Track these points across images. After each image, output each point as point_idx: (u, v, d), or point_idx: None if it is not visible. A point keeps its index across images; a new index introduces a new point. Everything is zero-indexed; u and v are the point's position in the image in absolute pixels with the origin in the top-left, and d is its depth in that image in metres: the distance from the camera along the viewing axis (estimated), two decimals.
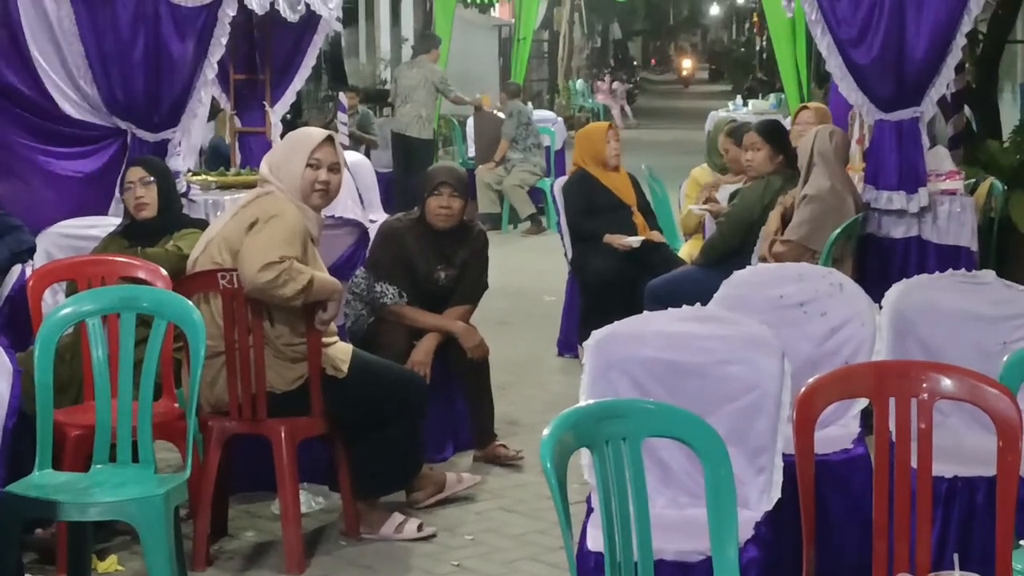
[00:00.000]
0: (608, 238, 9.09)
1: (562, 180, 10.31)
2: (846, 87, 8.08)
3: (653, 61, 63.25)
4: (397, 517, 6.29)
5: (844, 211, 7.62)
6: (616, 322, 4.97)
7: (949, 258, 7.87)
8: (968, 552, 5.07)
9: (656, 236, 9.27)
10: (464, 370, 7.28)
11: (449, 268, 7.26)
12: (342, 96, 16.48)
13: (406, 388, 6.26)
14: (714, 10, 53.70)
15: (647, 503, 3.71)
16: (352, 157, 13.38)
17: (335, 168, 6.01)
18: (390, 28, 28.46)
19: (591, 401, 4.23)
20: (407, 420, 6.21)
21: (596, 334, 4.90)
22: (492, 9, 29.53)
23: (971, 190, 8.83)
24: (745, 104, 21.00)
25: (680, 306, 5.09)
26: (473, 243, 7.34)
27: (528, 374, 9.32)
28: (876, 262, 8.10)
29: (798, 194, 7.70)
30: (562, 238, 9.77)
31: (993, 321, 5.50)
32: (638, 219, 9.29)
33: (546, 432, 3.51)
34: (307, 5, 8.65)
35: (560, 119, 18.76)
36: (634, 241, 9.05)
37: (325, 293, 5.81)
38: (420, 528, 6.27)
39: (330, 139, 6.05)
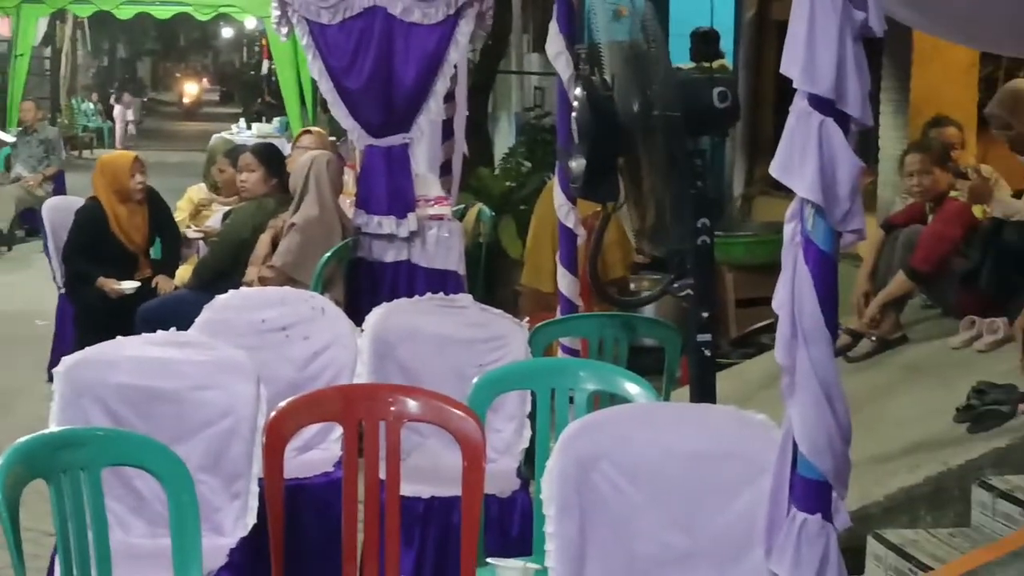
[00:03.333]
0: (101, 282, 8.74)
1: (54, 200, 10.01)
2: (338, 112, 8.15)
3: (178, 80, 62.04)
4: None
5: (331, 239, 7.68)
6: (88, 347, 4.82)
7: (437, 282, 8.04)
8: (445, 571, 5.17)
9: (162, 282, 8.82)
10: None
11: None
12: None
13: None
14: (226, 32, 53.34)
15: (107, 533, 3.61)
16: None
17: None
18: None
19: (48, 430, 4.08)
20: None
21: (67, 360, 4.73)
22: None
23: (460, 215, 9.05)
24: (249, 127, 20.96)
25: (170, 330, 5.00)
26: None
27: (17, 402, 8.97)
28: (368, 286, 8.19)
29: (287, 220, 7.71)
30: (50, 260, 9.45)
31: (470, 344, 5.63)
32: (143, 262, 8.97)
33: None
34: None
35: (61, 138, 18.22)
36: (127, 287, 8.74)
37: None
38: None
39: None
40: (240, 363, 4.78)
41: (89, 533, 3.54)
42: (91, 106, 35.27)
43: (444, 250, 8.30)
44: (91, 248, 8.84)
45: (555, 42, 6.52)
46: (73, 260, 8.96)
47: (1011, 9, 3.68)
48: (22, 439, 3.52)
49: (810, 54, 3.25)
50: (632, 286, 8.94)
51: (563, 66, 6.49)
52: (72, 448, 3.57)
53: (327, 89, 8.07)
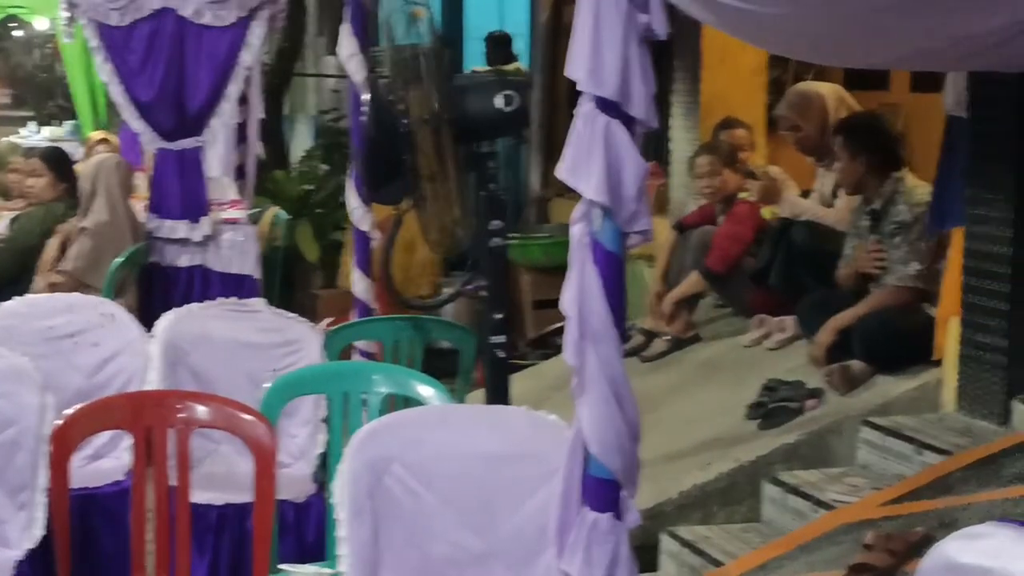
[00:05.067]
0: None
1: None
2: (128, 115, 7.98)
3: None
4: None
5: (122, 243, 7.55)
6: None
7: (233, 286, 7.90)
8: None
9: None
10: None
11: None
12: None
13: None
14: (16, 32, 52.24)
15: None
16: None
17: None
18: None
19: None
20: None
21: None
22: None
23: (255, 219, 8.96)
24: (39, 131, 20.49)
25: None
26: None
27: None
28: (161, 291, 8.04)
29: (77, 224, 7.56)
30: None
31: (263, 348, 5.58)
32: None
33: None
34: None
35: None
36: None
37: None
38: None
39: None
40: (25, 371, 4.65)
41: None
42: None
43: (239, 254, 8.18)
44: None
45: (347, 44, 6.50)
46: None
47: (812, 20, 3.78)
48: None
49: (595, 57, 3.29)
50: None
51: (355, 68, 6.47)
52: None
53: (117, 92, 7.90)
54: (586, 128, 3.33)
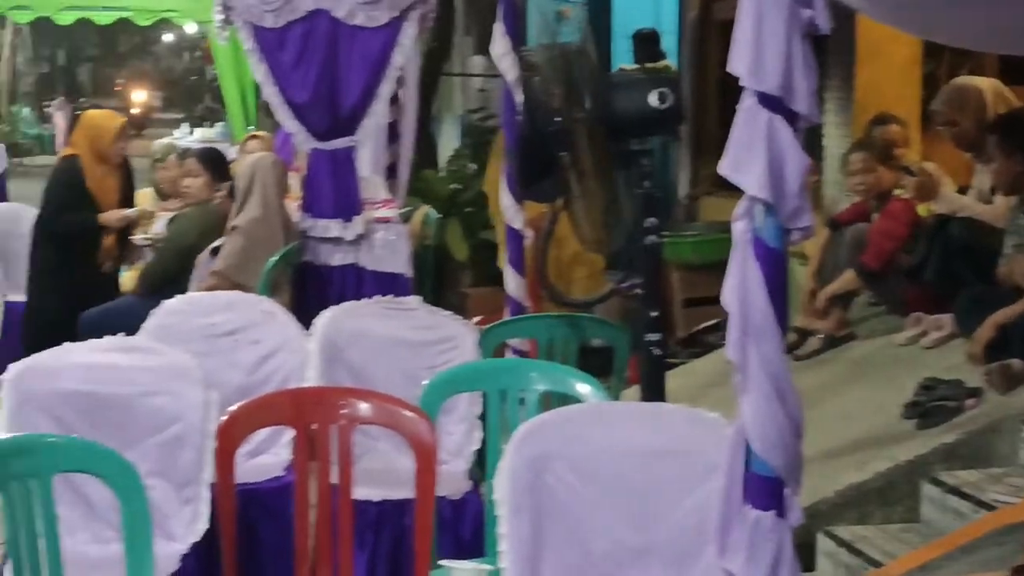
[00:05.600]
0: (104, 218, 8.48)
1: None
2: (282, 116, 8.08)
3: (119, 87, 61.15)
4: None
5: (275, 242, 7.62)
6: (35, 354, 4.79)
7: (385, 285, 7.97)
8: (399, 574, 5.16)
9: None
10: None
11: None
12: None
13: None
14: (167, 37, 53.13)
15: (58, 541, 3.58)
16: None
17: None
18: None
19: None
20: None
21: (14, 367, 4.71)
22: None
23: (406, 218, 9.03)
24: (192, 132, 20.86)
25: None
26: None
27: None
28: (315, 289, 8.13)
29: (230, 223, 7.67)
30: None
31: (419, 346, 5.63)
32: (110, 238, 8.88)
33: None
34: None
35: (2, 145, 18.08)
36: (131, 213, 8.63)
37: None
38: None
39: None
40: (189, 368, 4.76)
41: (40, 541, 3.51)
42: (32, 113, 35.04)
43: (391, 253, 8.24)
44: (68, 207, 8.58)
45: (500, 44, 6.51)
46: (57, 220, 8.60)
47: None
48: None
49: (757, 52, 3.26)
50: None
51: (508, 68, 6.48)
52: (23, 456, 3.55)
53: (271, 93, 8.00)
54: (748, 124, 3.31)
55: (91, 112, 9.41)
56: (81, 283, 8.42)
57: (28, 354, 4.90)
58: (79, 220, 8.55)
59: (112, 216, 8.57)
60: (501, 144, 8.71)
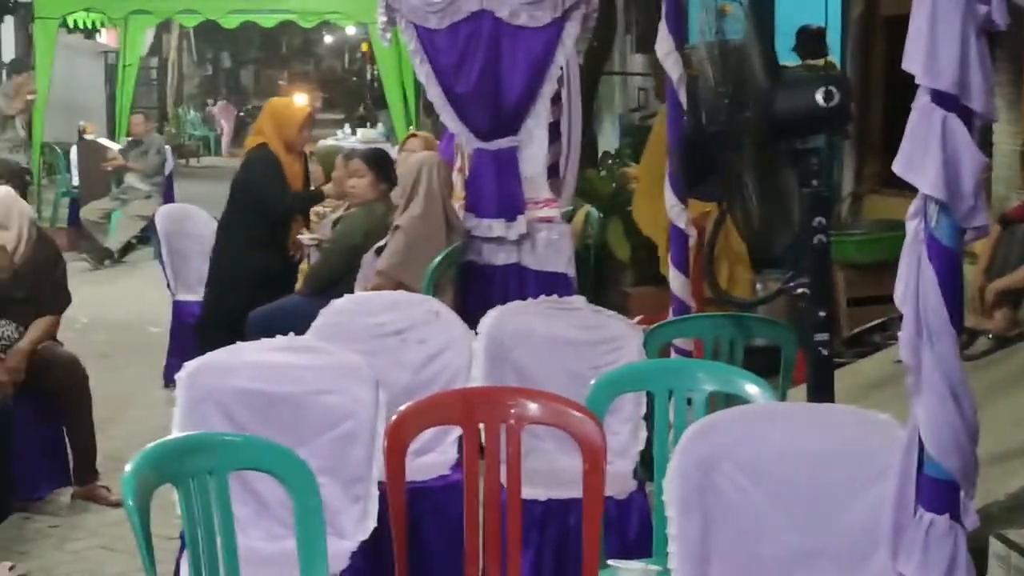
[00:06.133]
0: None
1: (167, 208, 10.17)
2: (446, 116, 8.17)
3: (281, 88, 61.90)
4: None
5: (437, 241, 7.67)
6: (208, 353, 4.88)
7: (548, 284, 8.01)
8: (564, 573, 5.18)
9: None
10: (63, 403, 7.04)
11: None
12: None
13: None
14: (327, 39, 53.74)
15: (235, 537, 3.65)
16: None
17: None
18: None
19: (175, 435, 4.14)
20: None
21: (188, 365, 4.80)
22: (98, 35, 28.84)
23: (568, 218, 9.05)
24: (354, 133, 21.08)
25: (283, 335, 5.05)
26: (40, 248, 7.06)
27: (131, 407, 9.08)
28: (478, 289, 8.19)
29: (393, 222, 7.74)
30: (163, 268, 9.58)
31: (584, 346, 5.63)
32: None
33: (128, 469, 3.42)
34: None
35: (169, 147, 18.47)
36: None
37: None
38: (11, 569, 6.04)
39: None
40: (359, 367, 4.82)
41: (217, 537, 3.58)
42: (197, 115, 35.71)
43: (554, 252, 8.28)
44: (280, 191, 8.73)
45: (664, 42, 6.48)
46: (281, 204, 8.74)
47: None
48: (151, 445, 3.57)
49: (932, 49, 3.22)
50: None
51: (672, 66, 6.46)
52: (200, 453, 3.62)
53: (435, 94, 8.09)
54: (922, 122, 3.26)
55: (276, 100, 9.60)
56: (264, 278, 8.55)
57: (203, 352, 5.00)
58: (303, 198, 8.83)
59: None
60: (653, 144, 8.70)
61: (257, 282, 8.48)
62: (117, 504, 6.94)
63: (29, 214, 6.44)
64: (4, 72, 23.30)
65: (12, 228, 6.32)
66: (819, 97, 5.39)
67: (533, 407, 4.05)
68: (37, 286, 6.92)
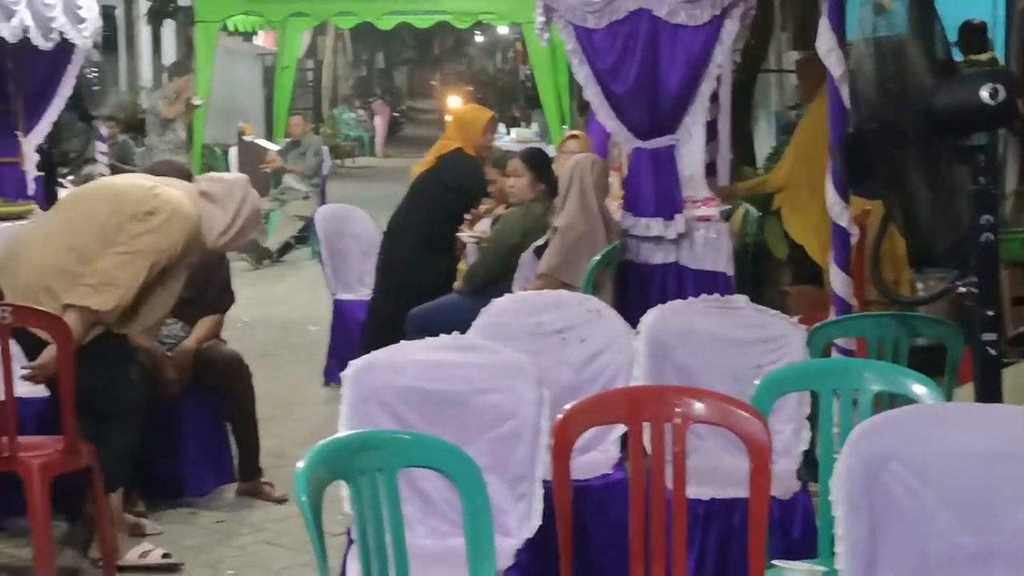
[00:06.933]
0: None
1: (327, 209, 10.31)
2: (604, 115, 8.18)
3: (436, 88, 62.53)
4: (144, 546, 6.24)
5: (596, 241, 7.69)
6: (374, 351, 4.94)
7: (706, 283, 8.00)
8: (726, 573, 5.16)
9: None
10: (228, 401, 7.17)
11: None
12: (101, 126, 16.18)
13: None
14: (478, 39, 54.14)
15: (404, 534, 3.70)
16: None
17: None
18: (151, 57, 28.08)
19: (346, 433, 4.19)
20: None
21: (354, 364, 4.86)
22: (256, 37, 29.31)
23: (726, 216, 9.01)
24: (508, 133, 21.17)
25: (441, 335, 5.09)
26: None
27: (293, 405, 9.22)
28: (636, 288, 8.20)
29: (551, 224, 7.77)
30: (323, 267, 9.71)
31: (746, 345, 5.61)
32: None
33: (300, 465, 3.47)
34: (61, 33, 8.52)
35: (326, 147, 18.73)
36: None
37: None
38: (166, 556, 6.23)
39: None
40: (523, 366, 4.85)
41: (387, 534, 3.63)
42: (352, 115, 36.11)
43: (712, 251, 8.27)
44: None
45: (825, 39, 6.44)
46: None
47: None
48: (322, 442, 3.62)
49: None
50: None
51: (834, 63, 6.41)
52: (370, 450, 3.66)
53: (593, 93, 8.11)
54: None
55: (463, 107, 9.89)
56: (445, 279, 8.67)
57: (367, 351, 5.06)
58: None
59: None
60: (800, 142, 8.63)
61: (434, 283, 8.57)
62: (281, 500, 7.06)
63: (254, 207, 6.36)
64: (164, 75, 23.77)
65: (227, 210, 6.25)
66: (984, 94, 5.31)
67: (699, 406, 4.05)
68: (204, 286, 7.05)
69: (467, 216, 9.16)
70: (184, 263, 6.07)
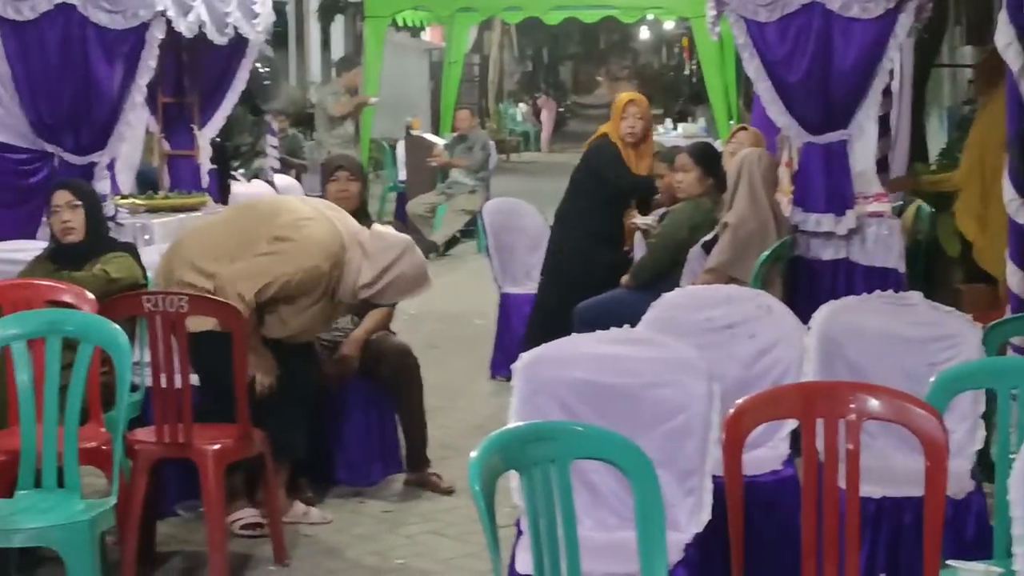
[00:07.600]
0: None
1: (494, 203, 10.35)
2: (775, 110, 8.12)
3: (601, 83, 62.50)
4: (300, 507, 6.54)
5: (766, 236, 7.63)
6: (544, 344, 4.96)
7: (877, 280, 7.92)
8: (897, 572, 5.10)
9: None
10: (396, 392, 7.24)
11: None
12: (272, 120, 16.44)
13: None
14: (643, 34, 53.96)
15: (575, 525, 3.70)
16: (282, 181, 13.33)
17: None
18: (320, 52, 28.45)
19: (519, 423, 4.21)
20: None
21: (524, 356, 4.89)
22: (423, 33, 29.54)
23: (898, 213, 8.90)
24: (675, 127, 21.09)
25: (609, 329, 5.10)
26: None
27: (459, 398, 9.27)
28: (805, 284, 8.14)
29: (720, 220, 7.73)
30: (491, 262, 9.76)
31: (919, 343, 5.53)
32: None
33: (474, 455, 3.50)
34: (235, 28, 8.67)
35: (492, 142, 18.82)
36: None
37: None
38: (305, 514, 6.55)
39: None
40: (693, 361, 4.84)
41: (558, 523, 3.64)
42: (518, 110, 36.23)
43: (883, 248, 8.17)
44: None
45: (1004, 33, 6.32)
46: (626, 180, 9.04)
47: None
48: (496, 432, 3.65)
49: None
50: None
51: (1013, 57, 6.29)
52: (543, 441, 3.68)
53: (764, 87, 8.06)
54: None
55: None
56: (611, 271, 8.65)
57: (535, 344, 5.09)
58: (638, 183, 8.94)
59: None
60: (976, 141, 8.47)
61: (600, 277, 8.57)
62: (448, 491, 7.11)
63: (408, 272, 6.46)
64: (333, 70, 24.07)
65: (375, 267, 6.36)
66: None
67: (873, 403, 4.00)
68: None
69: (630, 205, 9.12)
70: (328, 299, 6.29)
